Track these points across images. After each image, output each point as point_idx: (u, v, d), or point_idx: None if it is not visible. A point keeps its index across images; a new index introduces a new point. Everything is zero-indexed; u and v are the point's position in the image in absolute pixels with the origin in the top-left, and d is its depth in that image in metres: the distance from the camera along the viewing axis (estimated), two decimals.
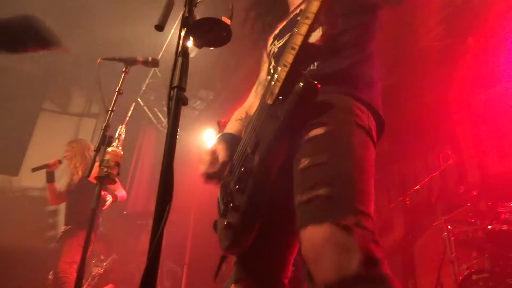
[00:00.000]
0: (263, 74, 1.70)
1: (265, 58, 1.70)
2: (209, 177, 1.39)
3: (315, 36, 1.28)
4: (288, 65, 1.14)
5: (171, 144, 0.97)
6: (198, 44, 1.11)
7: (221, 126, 2.66)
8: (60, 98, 5.96)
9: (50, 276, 3.79)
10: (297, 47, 1.12)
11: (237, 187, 1.21)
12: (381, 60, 1.39)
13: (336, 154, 1.08)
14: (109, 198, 3.94)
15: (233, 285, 1.31)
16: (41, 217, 5.35)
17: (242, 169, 1.23)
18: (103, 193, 3.89)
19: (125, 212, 5.28)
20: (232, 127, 1.62)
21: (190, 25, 1.10)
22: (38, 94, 5.69)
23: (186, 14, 1.11)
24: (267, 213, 1.19)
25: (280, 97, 1.16)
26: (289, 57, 1.14)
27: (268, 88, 1.26)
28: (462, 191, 4.22)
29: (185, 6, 1.12)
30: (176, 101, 1.02)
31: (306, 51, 1.14)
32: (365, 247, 0.93)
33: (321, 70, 1.27)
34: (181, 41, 1.08)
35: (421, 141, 5.54)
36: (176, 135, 0.99)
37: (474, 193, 3.93)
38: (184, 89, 1.04)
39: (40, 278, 4.27)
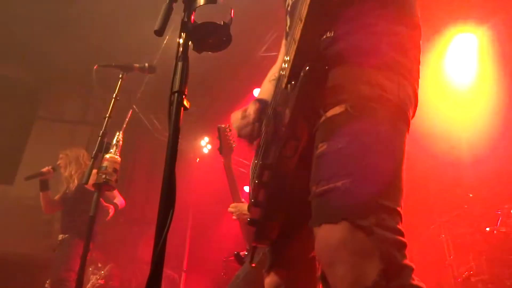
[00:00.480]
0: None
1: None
2: (240, 136, 1.33)
3: None
4: (297, 41, 1.01)
5: (172, 150, 0.96)
6: (198, 49, 1.11)
7: (221, 131, 2.66)
8: (55, 106, 5.93)
9: (47, 285, 3.74)
10: (303, 19, 0.99)
11: (256, 181, 1.14)
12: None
13: (357, 137, 0.93)
14: (111, 210, 3.91)
15: (266, 275, 1.27)
16: (36, 225, 5.30)
17: (261, 162, 1.17)
18: (105, 205, 3.84)
19: (121, 220, 5.25)
20: (266, 89, 1.45)
21: (189, 30, 1.09)
22: (32, 102, 5.66)
23: (185, 19, 1.10)
24: (294, 204, 1.10)
25: (292, 82, 1.04)
26: (297, 32, 1.02)
27: (282, 67, 1.15)
28: (459, 194, 4.24)
29: (184, 11, 1.12)
30: (177, 106, 1.01)
31: (316, 22, 1.01)
32: (386, 252, 0.82)
33: (337, 40, 1.09)
34: (180, 46, 1.07)
35: (417, 142, 5.56)
36: (178, 140, 0.98)
37: (470, 196, 3.95)
38: (184, 94, 1.04)
39: (37, 287, 4.22)
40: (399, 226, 0.88)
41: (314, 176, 0.97)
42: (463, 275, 3.53)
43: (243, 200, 2.92)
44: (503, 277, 3.18)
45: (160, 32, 1.08)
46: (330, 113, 0.99)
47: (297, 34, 1.02)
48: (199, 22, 1.07)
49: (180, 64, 1.06)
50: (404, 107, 1.03)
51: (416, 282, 0.84)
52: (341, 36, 1.09)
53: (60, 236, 3.89)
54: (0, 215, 5.10)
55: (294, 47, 1.04)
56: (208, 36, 1.08)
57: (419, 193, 5.46)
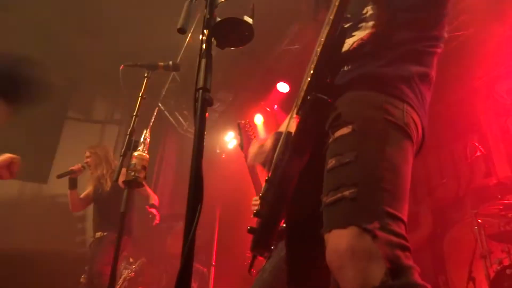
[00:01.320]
0: None
1: None
2: (251, 171, 1.45)
3: (360, 35, 1.25)
4: (310, 76, 1.12)
5: (199, 145, 0.98)
6: (221, 45, 1.12)
7: (241, 127, 2.67)
8: (83, 106, 6.10)
9: (82, 279, 3.88)
10: (317, 56, 1.10)
11: (261, 195, 1.26)
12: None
13: (363, 153, 1.02)
14: (157, 216, 4.00)
15: None
16: (70, 222, 5.48)
17: (267, 178, 1.28)
18: (149, 210, 3.96)
19: (150, 216, 5.36)
20: (285, 125, 1.57)
21: (212, 26, 1.10)
22: (62, 103, 5.83)
23: (208, 16, 1.11)
24: (306, 221, 1.18)
25: (300, 111, 1.17)
26: (312, 66, 1.13)
27: (299, 94, 1.26)
28: (492, 184, 4.11)
29: (205, 7, 1.13)
30: (202, 102, 1.02)
31: (329, 61, 1.12)
32: (391, 254, 0.88)
33: (354, 72, 1.21)
34: (203, 43, 1.09)
35: (446, 133, 5.42)
36: (204, 135, 0.99)
37: (506, 185, 3.82)
38: (209, 90, 1.05)
39: (72, 282, 4.39)
40: (403, 232, 0.94)
41: (325, 188, 1.05)
42: (497, 268, 3.43)
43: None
44: None
45: (183, 30, 1.10)
46: (338, 133, 1.08)
47: (312, 68, 1.13)
48: (221, 19, 1.08)
49: (203, 61, 1.07)
50: (407, 128, 1.10)
51: (420, 281, 0.88)
52: (353, 68, 1.21)
53: (98, 234, 4.00)
54: (35, 212, 5.31)
55: (307, 80, 1.15)
56: (231, 32, 1.10)
57: (451, 185, 5.34)
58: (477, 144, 4.53)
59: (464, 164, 5.34)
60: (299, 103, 1.19)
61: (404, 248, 0.91)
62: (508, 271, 3.21)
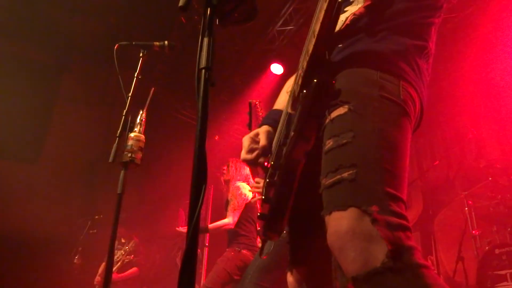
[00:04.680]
0: None
1: None
2: (248, 163, 1.37)
3: (352, 10, 1.22)
4: (309, 55, 1.09)
5: (202, 126, 0.96)
6: (223, 24, 1.09)
7: (252, 106, 2.64)
8: (75, 86, 5.99)
9: (76, 261, 3.89)
10: (316, 35, 1.06)
11: (267, 180, 1.23)
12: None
13: (360, 133, 1.00)
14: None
15: (289, 273, 1.34)
16: (60, 204, 5.46)
17: (272, 163, 1.24)
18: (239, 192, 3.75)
19: (145, 197, 5.38)
20: (282, 100, 1.52)
21: (214, 4, 1.07)
22: (53, 82, 5.73)
23: None
24: (306, 202, 1.17)
25: (304, 91, 1.12)
26: (310, 45, 1.09)
27: (296, 76, 1.22)
28: (482, 166, 4.17)
29: None
30: (205, 83, 1.00)
31: (327, 38, 1.09)
32: (392, 235, 0.88)
33: (349, 49, 1.18)
34: (206, 21, 1.06)
35: (437, 116, 5.46)
36: (207, 117, 0.97)
37: (496, 167, 3.87)
38: (211, 70, 1.03)
39: (65, 263, 4.41)
40: (403, 212, 0.94)
41: (323, 170, 1.03)
42: (487, 248, 3.52)
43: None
44: None
45: (184, 8, 1.07)
46: (335, 113, 1.06)
47: (310, 47, 1.10)
48: None
49: (206, 39, 1.05)
50: (404, 105, 1.08)
51: (422, 261, 0.88)
52: (348, 44, 1.18)
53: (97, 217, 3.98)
54: (23, 192, 5.24)
55: (307, 59, 1.12)
56: (234, 10, 1.07)
57: (441, 167, 5.41)
58: (468, 127, 4.57)
59: (455, 146, 5.41)
60: (300, 82, 1.16)
61: (405, 229, 0.91)
62: (496, 251, 3.29)
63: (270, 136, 1.35)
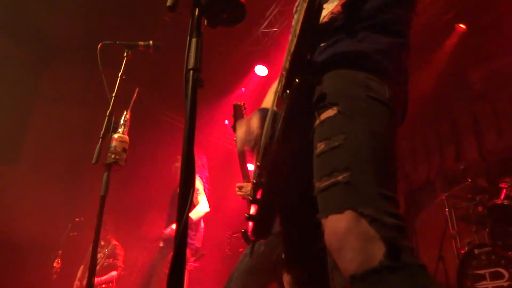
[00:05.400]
0: None
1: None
2: (242, 148, 1.40)
3: (329, 8, 1.22)
4: (290, 55, 1.10)
5: (190, 129, 0.95)
6: (212, 25, 1.09)
7: (236, 109, 2.63)
8: (56, 84, 5.86)
9: (55, 264, 3.81)
10: (297, 34, 1.07)
11: (254, 181, 1.23)
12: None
13: (350, 135, 1.01)
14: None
15: (285, 274, 1.35)
16: (42, 206, 5.34)
17: (258, 164, 1.25)
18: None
19: (126, 200, 5.30)
20: (269, 100, 1.54)
21: (202, 5, 1.06)
22: (33, 80, 5.60)
23: None
24: (298, 202, 1.18)
25: (287, 91, 1.13)
26: (292, 45, 1.10)
27: (280, 77, 1.23)
28: (462, 168, 4.25)
29: None
30: (193, 84, 1.00)
31: (308, 38, 1.10)
32: (389, 236, 0.89)
33: (331, 49, 1.18)
34: (194, 22, 1.05)
35: (418, 119, 5.56)
36: (195, 119, 0.97)
37: (474, 170, 3.97)
38: (200, 71, 1.02)
39: (45, 266, 4.31)
40: (398, 212, 0.96)
41: (317, 173, 1.05)
42: (466, 248, 3.59)
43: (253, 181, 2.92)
44: (506, 248, 3.22)
45: (173, 8, 1.06)
46: (324, 116, 1.07)
47: (292, 47, 1.10)
48: None
49: (194, 40, 1.04)
50: (391, 104, 1.10)
51: (418, 260, 0.91)
52: (330, 44, 1.19)
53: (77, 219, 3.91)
54: (2, 193, 5.10)
55: (289, 59, 1.12)
56: (222, 11, 1.06)
57: (422, 169, 5.50)
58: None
59: (435, 149, 5.51)
60: (283, 83, 1.16)
61: (401, 229, 0.92)
62: (476, 251, 3.35)
63: (261, 124, 1.37)
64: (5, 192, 4.94)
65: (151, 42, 2.38)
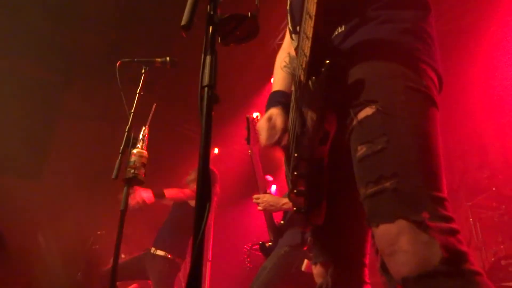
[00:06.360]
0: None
1: None
2: (271, 147, 1.34)
3: None
4: (310, 38, 1.03)
5: (205, 144, 0.96)
6: (225, 42, 1.10)
7: (250, 121, 2.66)
8: (77, 103, 6.02)
9: (78, 277, 3.86)
10: (313, 16, 0.99)
11: (295, 173, 1.18)
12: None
13: (394, 136, 0.96)
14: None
15: (313, 265, 1.34)
16: (65, 220, 5.45)
17: (296, 154, 1.20)
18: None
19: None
20: (279, 78, 1.49)
21: (216, 23, 1.08)
22: (56, 98, 5.76)
23: (211, 12, 1.09)
24: (329, 197, 1.14)
25: (313, 77, 1.05)
26: (308, 28, 1.03)
27: (297, 58, 1.17)
28: (485, 176, 4.15)
29: (209, 3, 1.11)
30: (208, 101, 1.01)
31: (326, 17, 1.02)
32: (445, 241, 0.86)
33: (349, 35, 1.12)
34: (208, 40, 1.07)
35: (440, 126, 5.45)
36: (211, 135, 0.98)
37: (499, 178, 3.86)
38: (215, 88, 1.04)
39: (68, 279, 4.37)
40: (450, 214, 0.91)
41: (361, 179, 1.00)
42: (492, 258, 3.48)
43: (268, 191, 2.93)
44: None
45: (187, 27, 1.08)
46: (362, 114, 1.02)
47: (309, 31, 1.03)
48: (226, 15, 1.06)
49: (208, 57, 1.06)
50: (429, 92, 1.04)
51: (474, 267, 0.87)
52: (351, 30, 1.12)
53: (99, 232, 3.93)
54: (25, 208, 5.21)
55: (308, 44, 1.05)
56: (236, 29, 1.08)
57: (446, 176, 5.38)
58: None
59: (458, 156, 5.39)
60: (304, 68, 1.09)
61: (456, 232, 0.89)
62: (503, 262, 3.25)
63: (284, 119, 1.33)
64: (28, 206, 5.06)
65: (168, 58, 2.43)
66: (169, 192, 3.64)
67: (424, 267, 0.84)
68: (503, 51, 4.73)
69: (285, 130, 1.31)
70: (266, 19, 4.91)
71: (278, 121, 1.32)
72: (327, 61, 1.01)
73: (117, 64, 2.35)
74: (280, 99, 1.39)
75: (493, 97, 5.09)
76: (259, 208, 2.83)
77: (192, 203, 3.81)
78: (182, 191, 3.70)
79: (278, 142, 1.33)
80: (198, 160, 0.95)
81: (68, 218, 5.33)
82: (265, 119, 1.35)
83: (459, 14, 4.58)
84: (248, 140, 2.75)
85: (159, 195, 3.50)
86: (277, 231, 2.92)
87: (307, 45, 1.06)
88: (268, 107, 1.41)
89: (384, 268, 0.95)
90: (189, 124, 6.68)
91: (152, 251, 3.64)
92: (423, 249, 0.86)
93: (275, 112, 1.35)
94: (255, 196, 2.87)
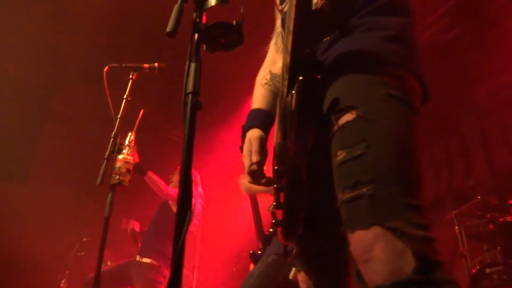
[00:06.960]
0: (278, 24, 1.58)
1: (276, 11, 1.55)
2: (256, 183, 1.31)
3: None
4: (289, 52, 1.05)
5: (188, 151, 0.96)
6: (211, 49, 1.11)
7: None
8: (64, 106, 5.96)
9: (62, 285, 3.80)
10: (291, 31, 1.01)
11: (275, 186, 1.19)
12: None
13: (373, 142, 0.96)
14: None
15: (297, 272, 1.34)
16: (50, 224, 5.37)
17: (276, 167, 1.21)
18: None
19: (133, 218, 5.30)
20: (259, 95, 1.48)
21: (201, 30, 1.09)
22: (41, 101, 5.69)
23: (197, 19, 1.10)
24: (312, 207, 1.14)
25: (292, 91, 1.06)
26: (289, 43, 1.05)
27: (282, 75, 1.19)
28: (471, 185, 4.20)
29: (195, 11, 1.12)
30: (192, 107, 1.01)
31: (304, 32, 1.04)
32: (418, 249, 0.85)
33: (332, 44, 1.12)
34: (193, 47, 1.08)
35: (426, 135, 5.52)
36: (193, 142, 0.98)
37: (485, 186, 3.91)
38: (198, 94, 1.04)
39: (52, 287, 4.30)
40: (426, 222, 0.91)
41: (339, 184, 1.01)
42: (477, 267, 3.52)
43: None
44: None
45: (172, 34, 1.08)
46: (342, 120, 1.03)
47: (289, 45, 1.05)
48: (211, 23, 1.06)
49: (193, 65, 1.06)
50: (410, 99, 1.05)
51: (448, 276, 0.86)
52: (336, 37, 1.13)
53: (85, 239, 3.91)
54: (10, 212, 5.13)
55: (288, 58, 1.07)
56: (221, 36, 1.08)
57: (431, 185, 5.43)
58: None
59: (444, 165, 5.45)
60: (287, 82, 1.11)
61: (431, 241, 0.88)
62: (487, 270, 3.29)
63: (263, 144, 1.31)
64: (13, 210, 4.98)
65: (156, 64, 2.43)
66: (153, 177, 3.60)
67: (398, 276, 0.84)
68: (488, 63, 4.81)
69: (263, 154, 1.30)
70: (256, 26, 4.94)
71: (254, 147, 1.30)
72: (300, 77, 1.02)
73: (105, 69, 2.34)
74: (261, 118, 1.38)
75: (478, 108, 5.18)
76: (243, 189, 2.81)
77: (175, 208, 3.80)
78: (165, 186, 3.68)
79: (260, 177, 1.31)
80: (181, 167, 0.95)
81: (53, 223, 5.25)
82: (246, 153, 1.34)
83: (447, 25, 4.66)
84: (241, 148, 2.73)
85: (141, 169, 3.44)
86: (266, 239, 2.91)
87: (287, 60, 1.08)
88: (246, 126, 1.40)
89: (359, 277, 0.94)
90: (176, 130, 6.65)
91: (137, 258, 3.61)
92: (397, 257, 0.85)
93: (254, 135, 1.34)
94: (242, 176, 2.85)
